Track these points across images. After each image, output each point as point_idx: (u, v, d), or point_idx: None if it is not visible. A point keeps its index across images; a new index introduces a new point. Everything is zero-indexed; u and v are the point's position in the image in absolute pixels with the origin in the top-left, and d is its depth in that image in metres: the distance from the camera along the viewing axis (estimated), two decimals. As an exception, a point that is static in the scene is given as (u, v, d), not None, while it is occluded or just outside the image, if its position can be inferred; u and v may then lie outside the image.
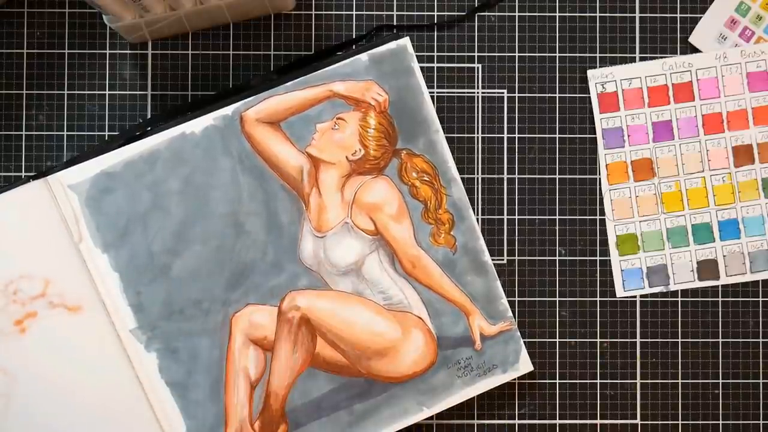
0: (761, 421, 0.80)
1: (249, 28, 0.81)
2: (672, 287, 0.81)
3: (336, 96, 0.77)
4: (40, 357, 0.75)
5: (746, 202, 0.81)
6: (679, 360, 0.80)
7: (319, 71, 0.77)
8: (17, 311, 0.75)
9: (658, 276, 0.81)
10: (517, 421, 0.80)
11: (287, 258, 0.77)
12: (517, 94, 0.81)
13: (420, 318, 0.77)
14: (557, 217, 0.81)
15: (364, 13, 0.81)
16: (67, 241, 0.75)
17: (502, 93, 0.81)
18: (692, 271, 0.81)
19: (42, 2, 0.81)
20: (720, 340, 0.80)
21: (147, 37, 0.79)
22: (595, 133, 0.81)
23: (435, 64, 0.81)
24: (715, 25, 0.81)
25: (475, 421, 0.80)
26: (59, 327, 0.75)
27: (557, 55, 0.81)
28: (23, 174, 0.80)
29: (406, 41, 0.77)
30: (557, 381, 0.80)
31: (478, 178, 0.81)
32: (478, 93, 0.81)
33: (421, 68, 0.78)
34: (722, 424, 0.80)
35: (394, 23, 0.81)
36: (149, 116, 0.80)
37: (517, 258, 0.81)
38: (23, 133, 0.80)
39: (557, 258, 0.81)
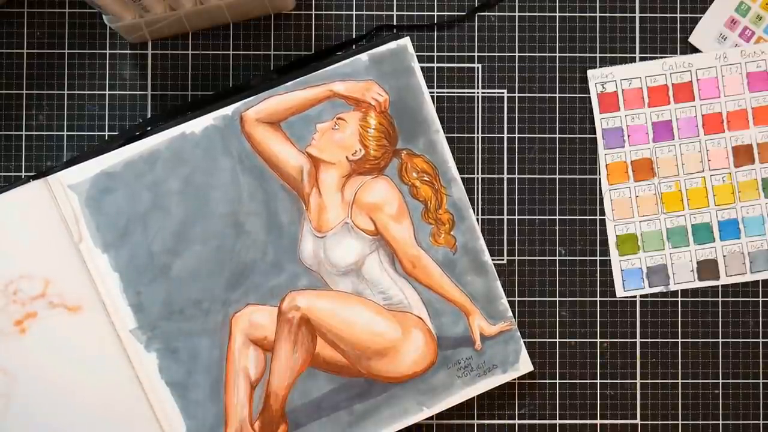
0: (761, 421, 0.80)
1: (249, 28, 0.81)
2: (672, 287, 0.81)
3: (336, 96, 0.77)
4: (40, 357, 0.75)
5: (746, 202, 0.81)
6: (679, 360, 0.80)
7: (319, 71, 0.77)
8: (17, 311, 0.75)
9: (658, 276, 0.81)
10: (517, 421, 0.80)
11: (287, 258, 0.77)
12: (517, 94, 0.81)
13: (420, 318, 0.77)
14: (557, 217, 0.81)
15: (364, 13, 0.81)
16: (67, 241, 0.75)
17: (502, 93, 0.81)
18: (692, 271, 0.81)
19: (42, 2, 0.81)
20: (720, 340, 0.80)
21: (147, 37, 0.79)
22: (595, 133, 0.81)
23: (435, 64, 0.81)
24: (715, 25, 0.81)
25: (475, 421, 0.80)
26: (59, 327, 0.75)
27: (557, 55, 0.81)
28: (23, 174, 0.80)
29: (406, 41, 0.77)
30: (557, 381, 0.80)
31: (478, 178, 0.81)
32: (478, 93, 0.81)
33: (421, 68, 0.78)
34: (722, 424, 0.80)
35: (394, 23, 0.81)
36: (149, 116, 0.80)
37: (517, 258, 0.81)
38: (23, 133, 0.80)
39: (557, 258, 0.81)
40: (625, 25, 0.81)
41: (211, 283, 0.76)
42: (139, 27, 0.77)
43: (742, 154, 0.81)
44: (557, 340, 0.80)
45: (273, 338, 0.76)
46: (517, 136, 0.81)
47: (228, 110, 0.76)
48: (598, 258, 0.81)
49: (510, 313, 0.78)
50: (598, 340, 0.80)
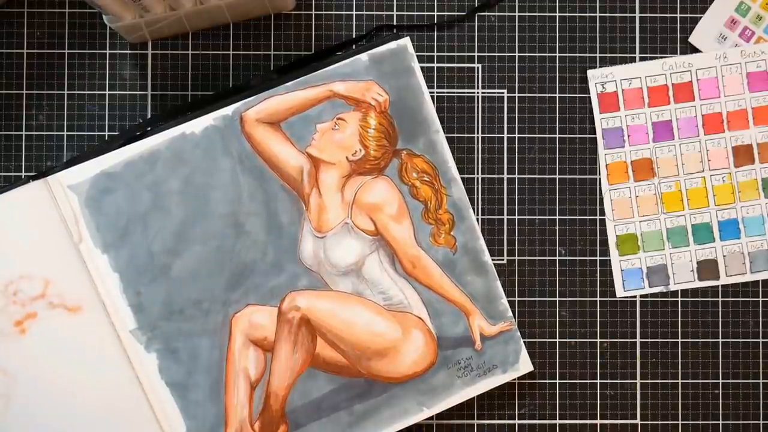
0: (761, 421, 0.80)
1: (249, 28, 0.81)
2: (672, 287, 0.81)
3: (336, 96, 0.77)
4: (40, 358, 0.75)
5: (746, 202, 0.81)
6: (679, 360, 0.80)
7: (319, 71, 0.77)
8: (17, 312, 0.75)
9: (658, 276, 0.81)
10: (517, 421, 0.80)
11: (287, 258, 0.77)
12: (517, 94, 0.81)
13: (420, 318, 0.77)
14: (557, 217, 0.81)
15: (364, 13, 0.81)
16: (67, 242, 0.75)
17: (502, 93, 0.81)
18: (692, 271, 0.81)
19: (42, 2, 0.81)
20: (720, 340, 0.80)
21: (147, 37, 0.79)
22: (595, 133, 0.81)
23: (435, 64, 0.81)
24: (715, 25, 0.81)
25: (475, 421, 0.80)
26: (59, 327, 0.75)
27: (557, 55, 0.81)
28: (23, 174, 0.80)
29: (406, 41, 0.77)
30: (557, 381, 0.80)
31: (478, 178, 0.81)
32: (478, 93, 0.81)
33: (421, 68, 0.78)
34: (722, 424, 0.80)
35: (394, 23, 0.81)
36: (149, 116, 0.80)
37: (517, 258, 0.81)
38: (23, 133, 0.80)
39: (557, 258, 0.81)
40: (625, 25, 0.81)
41: (211, 284, 0.76)
42: (139, 27, 0.77)
43: (742, 154, 0.81)
44: (557, 340, 0.80)
45: (273, 339, 0.76)
46: (517, 136, 0.81)
47: (228, 110, 0.76)
48: (598, 258, 0.81)
49: (510, 313, 0.78)
50: (598, 340, 0.80)
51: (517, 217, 0.81)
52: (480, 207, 0.81)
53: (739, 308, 0.81)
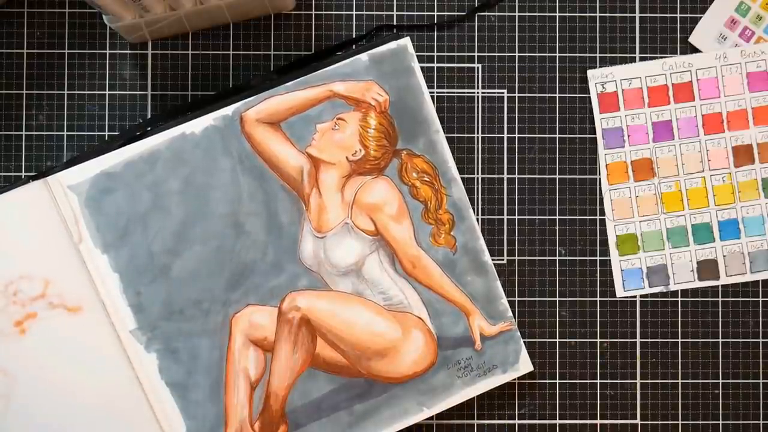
0: (761, 421, 0.80)
1: (249, 28, 0.81)
2: (672, 287, 0.81)
3: (336, 96, 0.77)
4: (40, 358, 0.75)
5: (746, 202, 0.81)
6: (679, 360, 0.80)
7: (319, 71, 0.77)
8: (17, 312, 0.75)
9: (658, 276, 0.81)
10: (517, 421, 0.80)
11: (287, 258, 0.77)
12: (517, 94, 0.81)
13: (420, 318, 0.77)
14: (557, 217, 0.81)
15: (364, 13, 0.81)
16: (67, 242, 0.75)
17: (502, 93, 0.81)
18: (692, 271, 0.81)
19: (42, 2, 0.80)
20: (720, 340, 0.80)
21: (147, 37, 0.79)
22: (595, 133, 0.81)
23: (435, 64, 0.81)
24: (715, 25, 0.81)
25: (475, 421, 0.80)
26: (59, 328, 0.75)
27: (557, 55, 0.81)
28: (23, 174, 0.80)
29: (406, 41, 0.77)
30: (557, 381, 0.80)
31: (478, 178, 0.81)
32: (478, 93, 0.81)
33: (421, 68, 0.78)
34: (722, 424, 0.80)
35: (394, 23, 0.81)
36: (149, 116, 0.80)
37: (517, 258, 0.81)
38: (23, 133, 0.80)
39: (557, 258, 0.81)
40: (625, 25, 0.81)
41: (211, 284, 0.76)
42: (139, 27, 0.77)
43: (742, 154, 0.81)
44: (557, 340, 0.80)
45: (273, 339, 0.76)
46: (517, 136, 0.81)
47: (228, 110, 0.76)
48: (598, 258, 0.81)
49: (510, 313, 0.78)
50: (598, 340, 0.81)
51: (517, 217, 0.81)
52: (480, 207, 0.81)
53: (739, 308, 0.81)
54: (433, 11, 0.81)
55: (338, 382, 0.77)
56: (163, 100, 0.81)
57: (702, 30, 0.81)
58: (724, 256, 0.81)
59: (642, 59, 0.81)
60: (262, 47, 0.81)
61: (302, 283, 0.77)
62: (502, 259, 0.81)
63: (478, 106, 0.81)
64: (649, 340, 0.80)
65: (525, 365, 0.78)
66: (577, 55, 0.81)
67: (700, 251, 0.81)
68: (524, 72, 0.81)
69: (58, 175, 0.75)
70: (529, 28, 0.81)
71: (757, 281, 0.81)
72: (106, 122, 0.80)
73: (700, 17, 0.81)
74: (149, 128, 0.77)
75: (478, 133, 0.81)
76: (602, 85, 0.81)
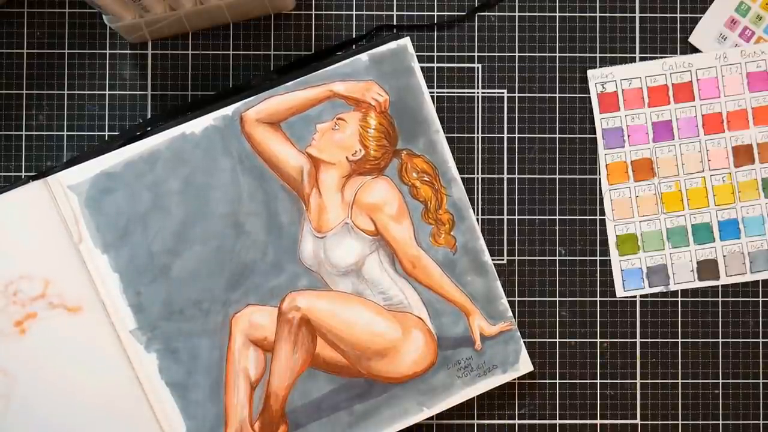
0: (761, 421, 0.80)
1: (249, 28, 0.81)
2: (672, 287, 0.81)
3: (336, 96, 0.77)
4: (40, 358, 0.75)
5: (746, 202, 0.81)
6: (679, 360, 0.80)
7: (319, 71, 0.77)
8: (17, 312, 0.75)
9: (658, 276, 0.81)
10: (517, 421, 0.80)
11: (287, 258, 0.77)
12: (517, 94, 0.81)
13: (420, 318, 0.77)
14: (557, 217, 0.81)
15: (364, 13, 0.81)
16: (67, 242, 0.75)
17: (502, 93, 0.81)
18: (692, 271, 0.81)
19: (42, 2, 0.80)
20: (720, 340, 0.80)
21: (147, 37, 0.79)
22: (595, 133, 0.81)
23: (435, 64, 0.81)
24: (715, 25, 0.81)
25: (475, 421, 0.80)
26: (59, 328, 0.75)
27: (557, 55, 0.81)
28: (23, 174, 0.80)
29: (406, 41, 0.77)
30: (557, 381, 0.80)
31: (478, 178, 0.81)
32: (478, 93, 0.81)
33: (421, 68, 0.78)
34: (722, 424, 0.80)
35: (394, 23, 0.81)
36: (149, 116, 0.80)
37: (517, 258, 0.81)
38: (23, 133, 0.80)
39: (557, 258, 0.81)
40: (625, 25, 0.81)
41: (211, 284, 0.76)
42: (139, 27, 0.77)
43: (742, 154, 0.81)
44: (557, 340, 0.80)
45: (273, 339, 0.76)
46: (517, 136, 0.81)
47: (228, 110, 0.76)
48: (598, 258, 0.81)
49: (510, 313, 0.78)
50: (598, 340, 0.81)
51: (517, 217, 0.81)
52: (480, 207, 0.81)
53: (739, 308, 0.81)
54: (433, 11, 0.81)
55: (338, 382, 0.77)
56: (163, 100, 0.81)
57: (702, 30, 0.81)
58: (724, 256, 0.81)
59: (642, 59, 0.81)
60: (262, 47, 0.81)
61: (302, 283, 0.77)
62: (502, 259, 0.81)
63: (478, 106, 0.81)
64: (649, 340, 0.80)
65: (525, 365, 0.78)
66: (577, 55, 0.81)
67: (700, 251, 0.81)
68: (524, 72, 0.81)
69: (58, 175, 0.75)
70: (529, 28, 0.81)
71: (757, 281, 0.81)
72: (106, 122, 0.80)
73: (700, 17, 0.81)
74: (149, 128, 0.77)
75: (478, 133, 0.81)
76: (602, 85, 0.81)
